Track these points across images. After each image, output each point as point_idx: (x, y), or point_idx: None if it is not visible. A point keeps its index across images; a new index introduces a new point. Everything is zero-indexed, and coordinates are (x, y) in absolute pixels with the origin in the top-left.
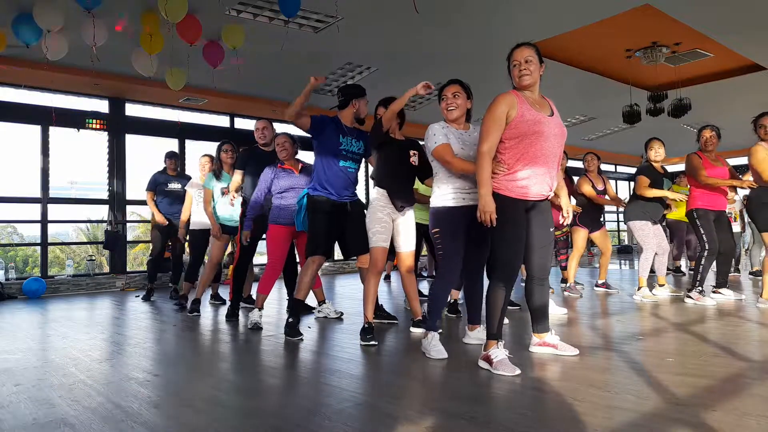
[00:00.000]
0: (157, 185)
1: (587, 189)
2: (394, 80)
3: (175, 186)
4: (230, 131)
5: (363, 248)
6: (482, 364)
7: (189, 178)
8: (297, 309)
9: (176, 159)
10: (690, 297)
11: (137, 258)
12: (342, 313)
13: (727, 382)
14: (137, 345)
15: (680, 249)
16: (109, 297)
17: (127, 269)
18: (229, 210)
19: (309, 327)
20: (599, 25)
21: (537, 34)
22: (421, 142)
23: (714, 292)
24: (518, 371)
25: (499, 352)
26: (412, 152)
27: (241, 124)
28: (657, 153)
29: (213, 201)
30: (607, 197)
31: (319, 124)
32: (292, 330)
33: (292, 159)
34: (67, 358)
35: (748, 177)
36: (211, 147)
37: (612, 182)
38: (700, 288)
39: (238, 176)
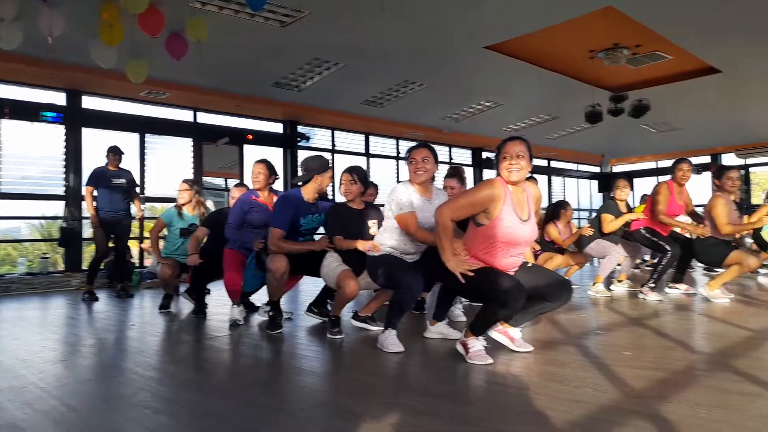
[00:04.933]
0: (98, 180)
1: (555, 235)
2: (362, 76)
3: (119, 181)
4: (193, 126)
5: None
6: (459, 348)
7: (129, 172)
8: (275, 306)
9: (119, 154)
10: (642, 292)
11: (93, 256)
12: (291, 314)
13: (681, 374)
14: (93, 346)
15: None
16: (64, 296)
17: (83, 267)
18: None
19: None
20: (563, 26)
21: (503, 33)
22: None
23: (669, 287)
24: (491, 360)
25: (477, 343)
26: (371, 223)
27: (205, 118)
28: (623, 192)
29: (168, 237)
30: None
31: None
32: (271, 324)
33: (266, 190)
34: (18, 360)
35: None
36: (172, 142)
37: (573, 181)
38: (652, 285)
39: (201, 233)
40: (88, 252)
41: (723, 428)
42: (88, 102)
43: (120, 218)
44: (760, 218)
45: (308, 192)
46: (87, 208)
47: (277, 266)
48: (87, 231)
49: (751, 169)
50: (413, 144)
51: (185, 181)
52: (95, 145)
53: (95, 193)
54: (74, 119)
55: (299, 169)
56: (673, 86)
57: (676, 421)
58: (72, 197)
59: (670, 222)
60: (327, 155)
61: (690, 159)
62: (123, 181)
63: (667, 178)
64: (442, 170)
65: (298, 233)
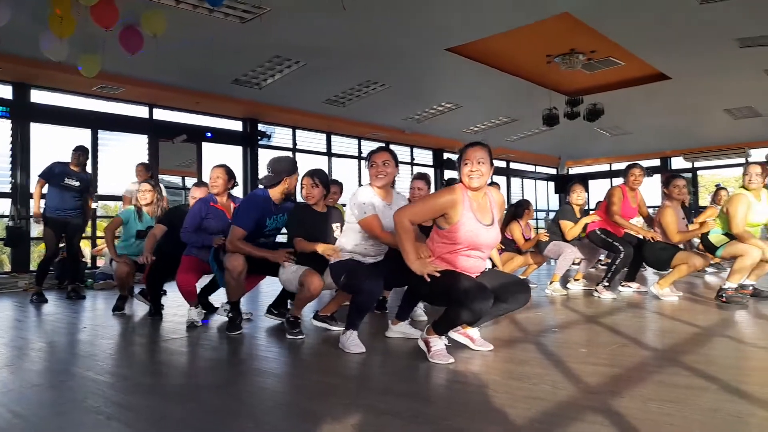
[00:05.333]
0: (52, 176)
1: (518, 235)
2: (324, 75)
3: (72, 182)
4: (149, 122)
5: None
6: (421, 344)
7: (88, 174)
8: (234, 307)
9: (77, 153)
10: (596, 290)
11: (42, 256)
12: (251, 314)
13: (633, 370)
14: (42, 349)
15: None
16: (11, 298)
17: (31, 268)
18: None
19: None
20: (522, 31)
21: (463, 36)
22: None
23: (623, 285)
24: (452, 360)
25: (438, 342)
26: (334, 226)
27: (161, 115)
28: (579, 196)
29: (123, 236)
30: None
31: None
32: (230, 325)
33: (224, 195)
34: None
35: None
36: (127, 138)
37: (531, 182)
38: (606, 283)
39: (159, 231)
40: (36, 252)
41: (673, 421)
42: (37, 96)
43: (70, 218)
44: (707, 223)
45: (276, 194)
46: (33, 201)
47: (234, 265)
48: (35, 230)
49: (698, 172)
50: (376, 145)
51: (147, 181)
52: (44, 140)
53: (45, 189)
54: (22, 114)
55: (267, 169)
56: (625, 91)
57: (630, 416)
58: (19, 195)
59: (624, 223)
60: (288, 155)
61: (641, 162)
62: (76, 183)
63: (621, 181)
64: (402, 171)
65: (262, 234)
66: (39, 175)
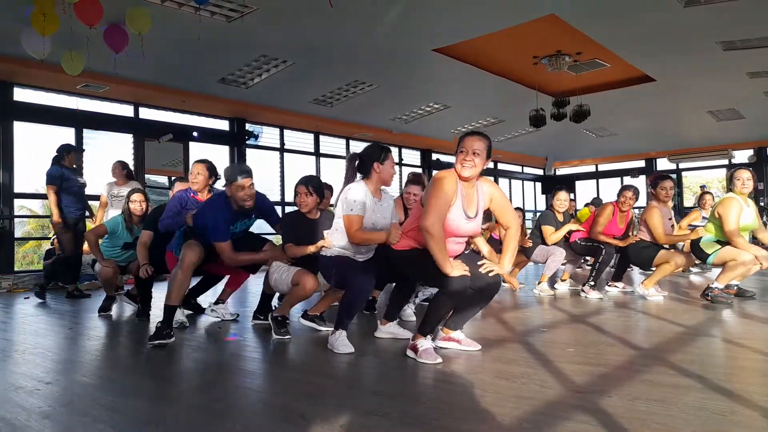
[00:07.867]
0: (65, 179)
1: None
2: (311, 75)
3: (83, 180)
4: (134, 121)
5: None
6: (409, 353)
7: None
8: (168, 311)
9: (78, 153)
10: (583, 290)
11: (27, 256)
12: (238, 315)
13: (620, 369)
14: (26, 351)
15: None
16: None
17: (15, 269)
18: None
19: (220, 327)
20: (509, 32)
21: (450, 37)
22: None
23: (609, 285)
24: (440, 360)
25: (425, 343)
26: (326, 233)
27: (147, 114)
28: (562, 204)
29: (107, 245)
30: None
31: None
32: (156, 333)
33: (205, 191)
34: None
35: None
36: (113, 138)
37: (518, 182)
38: (592, 283)
39: (147, 237)
40: (20, 252)
41: (659, 420)
42: (20, 94)
43: (80, 216)
44: (696, 230)
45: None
46: (53, 210)
47: (190, 255)
48: (19, 230)
49: (683, 173)
50: (364, 145)
51: (140, 191)
52: (28, 139)
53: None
54: (5, 112)
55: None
56: (611, 93)
57: (617, 415)
58: (2, 195)
59: (604, 239)
60: (275, 154)
61: (628, 164)
62: (84, 181)
63: (610, 183)
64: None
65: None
66: (50, 183)
